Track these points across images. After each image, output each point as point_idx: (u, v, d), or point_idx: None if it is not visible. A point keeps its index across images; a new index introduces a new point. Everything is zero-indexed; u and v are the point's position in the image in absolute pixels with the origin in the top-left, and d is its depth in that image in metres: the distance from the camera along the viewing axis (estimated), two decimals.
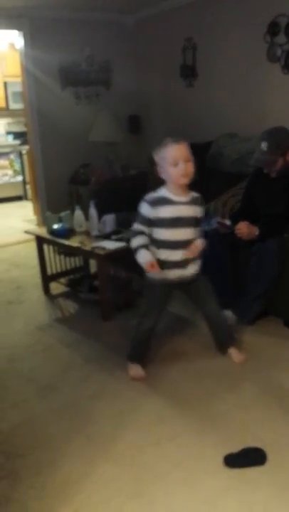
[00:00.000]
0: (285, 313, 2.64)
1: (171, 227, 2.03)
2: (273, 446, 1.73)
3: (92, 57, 4.69)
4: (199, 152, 3.83)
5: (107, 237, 2.97)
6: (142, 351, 2.28)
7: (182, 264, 2.10)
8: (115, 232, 3.01)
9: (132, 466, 1.69)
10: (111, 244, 2.84)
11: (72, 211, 3.25)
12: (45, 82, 4.60)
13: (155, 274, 2.08)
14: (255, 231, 2.56)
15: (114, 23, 4.79)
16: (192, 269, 2.15)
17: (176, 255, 2.08)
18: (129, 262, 2.95)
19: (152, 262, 2.01)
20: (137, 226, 2.07)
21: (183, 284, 2.18)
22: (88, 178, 4.63)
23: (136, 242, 2.06)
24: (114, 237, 2.95)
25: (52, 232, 3.15)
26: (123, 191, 4.05)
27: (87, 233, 3.11)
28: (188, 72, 4.38)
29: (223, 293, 2.70)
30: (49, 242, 3.22)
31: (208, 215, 3.16)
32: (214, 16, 4.00)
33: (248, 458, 1.69)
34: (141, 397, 2.10)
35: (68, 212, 3.29)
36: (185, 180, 2.00)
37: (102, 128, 4.55)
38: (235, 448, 1.72)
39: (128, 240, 2.87)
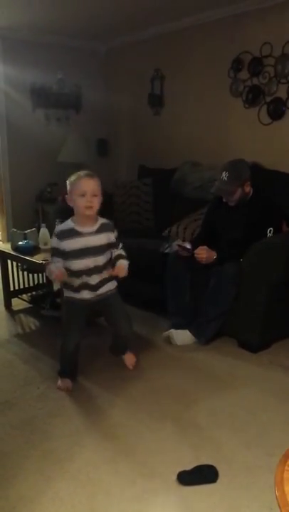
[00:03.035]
0: (239, 334, 2.75)
1: (80, 257, 2.13)
2: (225, 464, 1.78)
3: (64, 80, 4.78)
4: (164, 177, 4.00)
5: None
6: (70, 367, 2.38)
7: (97, 287, 2.23)
8: None
9: (87, 483, 1.71)
10: None
11: (38, 229, 3.28)
12: (17, 101, 4.64)
13: (71, 292, 2.22)
14: (214, 255, 2.69)
15: (86, 49, 4.93)
16: (106, 289, 2.28)
17: (91, 280, 2.20)
18: None
19: (59, 270, 2.05)
20: (52, 259, 2.15)
21: (99, 302, 2.28)
22: (55, 196, 4.68)
23: (49, 266, 2.12)
24: None
25: (16, 248, 3.16)
26: None
27: None
28: (156, 101, 4.55)
29: (181, 313, 2.81)
30: (13, 258, 3.22)
31: (170, 239, 3.29)
32: (182, 49, 4.20)
33: (201, 475, 1.72)
34: (97, 415, 2.12)
35: (34, 229, 3.32)
36: (89, 212, 2.10)
37: (71, 149, 4.63)
38: (188, 465, 1.76)
39: None
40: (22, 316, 3.29)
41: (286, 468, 1.18)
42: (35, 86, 4.70)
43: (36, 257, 3.04)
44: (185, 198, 3.78)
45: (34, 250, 3.15)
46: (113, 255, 2.26)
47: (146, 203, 3.99)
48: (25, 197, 4.84)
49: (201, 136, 4.15)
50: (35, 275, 3.50)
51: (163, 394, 2.29)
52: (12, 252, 3.18)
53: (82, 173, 2.13)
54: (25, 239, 3.23)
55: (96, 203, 2.11)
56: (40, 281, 3.54)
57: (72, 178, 2.13)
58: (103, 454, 1.87)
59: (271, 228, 2.68)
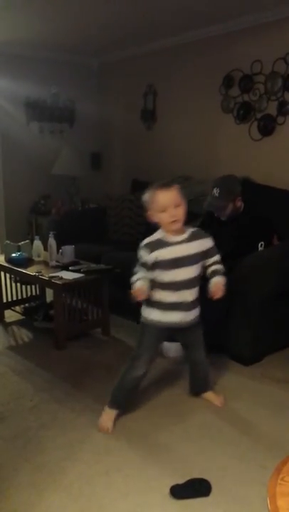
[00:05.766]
0: (231, 347, 2.76)
1: (171, 268, 1.96)
2: (218, 478, 1.78)
3: (58, 95, 4.85)
4: None
5: (65, 267, 3.03)
6: (125, 398, 2.16)
7: (186, 306, 2.04)
8: (73, 263, 3.08)
9: (79, 497, 1.70)
10: (69, 275, 2.90)
11: (32, 241, 3.30)
12: (11, 115, 4.69)
13: (155, 315, 2.04)
14: None
15: (81, 64, 5.00)
16: (193, 315, 2.11)
17: (181, 296, 2.02)
18: (86, 292, 3.03)
19: (139, 288, 1.90)
20: (136, 269, 2.00)
21: (180, 329, 2.12)
22: (49, 209, 4.70)
23: (134, 277, 1.98)
24: (72, 267, 3.01)
25: (10, 260, 3.17)
26: (82, 224, 4.15)
27: (45, 263, 3.16)
28: (148, 116, 4.63)
29: None
30: (6, 270, 3.23)
31: None
32: (174, 66, 4.29)
33: (194, 489, 1.72)
34: (90, 428, 2.12)
35: (27, 241, 3.34)
36: (175, 226, 1.95)
37: (64, 162, 4.68)
38: (181, 479, 1.76)
39: (86, 272, 2.95)
40: (15, 328, 3.29)
41: (279, 481, 1.18)
42: (30, 100, 4.75)
43: (29, 269, 3.05)
44: None
45: (27, 262, 3.16)
46: (209, 269, 2.06)
47: (139, 216, 4.03)
48: (19, 209, 4.85)
49: (193, 151, 4.21)
50: (28, 287, 3.50)
51: (155, 406, 2.30)
52: (5, 264, 3.19)
53: (157, 185, 1.95)
54: (18, 251, 3.24)
55: (180, 213, 1.92)
56: (34, 293, 3.54)
57: (148, 194, 1.95)
58: (96, 467, 1.86)
59: (262, 242, 2.72)
